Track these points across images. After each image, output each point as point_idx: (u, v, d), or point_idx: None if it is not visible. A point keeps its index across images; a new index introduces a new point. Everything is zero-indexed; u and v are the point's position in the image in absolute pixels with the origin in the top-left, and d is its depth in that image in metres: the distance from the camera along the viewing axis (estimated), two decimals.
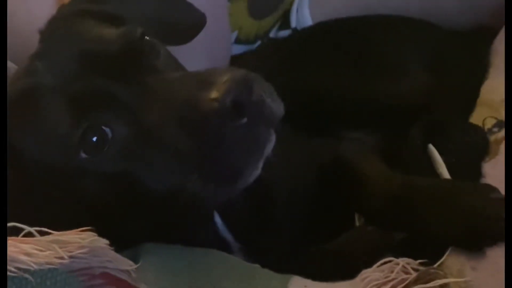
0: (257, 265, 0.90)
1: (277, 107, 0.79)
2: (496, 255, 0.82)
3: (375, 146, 1.16)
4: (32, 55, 0.89)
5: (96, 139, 0.79)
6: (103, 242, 0.72)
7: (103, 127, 0.79)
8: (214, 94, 0.73)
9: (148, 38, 0.88)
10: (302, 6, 1.51)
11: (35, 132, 0.81)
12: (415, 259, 0.85)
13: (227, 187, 0.79)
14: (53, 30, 0.93)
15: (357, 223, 1.02)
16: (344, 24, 1.40)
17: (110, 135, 0.79)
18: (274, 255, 0.98)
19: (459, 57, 1.26)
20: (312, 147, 1.14)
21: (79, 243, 0.70)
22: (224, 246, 0.95)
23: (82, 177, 0.80)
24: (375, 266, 0.83)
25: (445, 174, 0.97)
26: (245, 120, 0.74)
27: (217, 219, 0.95)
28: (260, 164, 0.79)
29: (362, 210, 1.02)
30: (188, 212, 0.83)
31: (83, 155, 0.79)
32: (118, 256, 0.74)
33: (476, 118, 1.09)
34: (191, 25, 1.10)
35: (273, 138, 0.79)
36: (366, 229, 0.99)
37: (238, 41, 1.51)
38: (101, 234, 0.74)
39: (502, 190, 0.87)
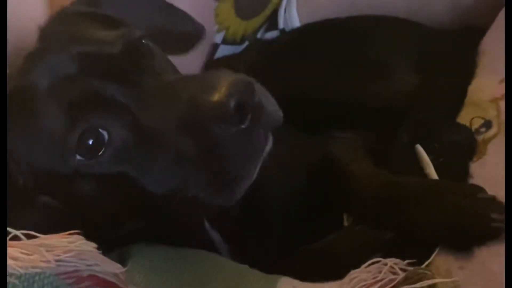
0: (245, 266, 0.90)
1: (276, 113, 0.79)
2: (484, 254, 0.82)
3: (363, 146, 1.15)
4: (26, 55, 0.88)
5: (92, 142, 0.78)
6: (91, 245, 0.72)
7: (100, 130, 0.78)
8: (216, 97, 0.72)
9: (145, 41, 0.88)
10: (289, 6, 1.51)
11: (28, 134, 0.80)
12: (404, 258, 0.85)
13: (225, 192, 0.78)
14: (51, 30, 0.93)
15: (346, 223, 1.02)
16: (332, 25, 1.39)
17: (106, 137, 0.78)
18: (263, 255, 0.98)
19: (446, 56, 1.26)
20: (301, 146, 1.14)
21: (66, 246, 0.70)
22: (212, 247, 0.95)
23: (76, 180, 0.80)
24: (363, 266, 0.83)
25: (433, 174, 0.97)
26: (246, 123, 0.74)
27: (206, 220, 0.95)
28: (257, 169, 0.79)
29: (351, 209, 1.02)
30: (183, 215, 0.83)
31: (79, 158, 0.78)
32: (106, 259, 0.74)
33: (463, 118, 1.08)
34: (190, 35, 1.10)
35: (270, 143, 0.80)
36: (354, 228, 0.99)
37: (225, 41, 1.51)
38: (90, 235, 0.73)
39: (489, 190, 0.87)
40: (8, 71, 0.86)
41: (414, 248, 0.89)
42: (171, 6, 1.12)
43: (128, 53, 0.83)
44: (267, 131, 0.79)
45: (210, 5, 1.44)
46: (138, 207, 0.82)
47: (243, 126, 0.74)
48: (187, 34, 1.11)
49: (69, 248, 0.70)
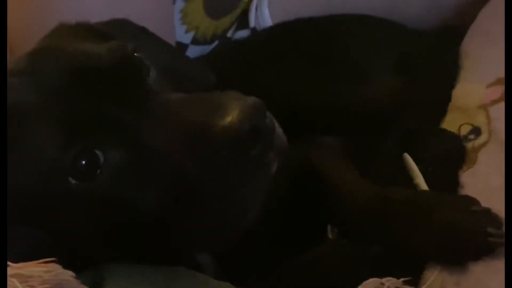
0: (227, 284, 0.85)
1: (282, 136, 0.75)
2: (480, 270, 0.79)
3: (345, 152, 1.12)
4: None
5: (85, 163, 0.71)
6: (68, 274, 0.66)
7: (96, 151, 0.71)
8: (229, 121, 0.67)
9: (138, 54, 0.81)
10: (261, 5, 1.47)
11: (14, 157, 0.71)
12: (393, 273, 0.81)
13: (233, 221, 0.74)
14: (46, 42, 0.86)
15: (330, 236, 0.98)
16: (306, 24, 1.35)
17: (102, 159, 0.71)
18: (245, 271, 0.94)
19: (428, 58, 1.24)
20: None
21: (42, 277, 0.64)
22: (193, 262, 0.90)
23: (68, 205, 0.72)
24: (359, 287, 0.79)
25: (423, 184, 0.94)
26: (259, 149, 0.69)
27: None
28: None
29: (336, 222, 0.98)
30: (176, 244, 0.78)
31: (73, 181, 0.71)
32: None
33: (449, 123, 1.06)
34: (197, 82, 1.06)
35: (275, 166, 0.75)
36: (340, 242, 0.95)
37: (194, 41, 1.46)
38: (65, 259, 0.67)
39: (482, 201, 0.85)
40: None
41: (404, 262, 0.86)
42: (185, 55, 1.14)
43: (122, 66, 0.77)
44: (276, 155, 0.74)
45: (168, 7, 1.38)
46: (130, 235, 0.76)
47: (255, 152, 0.69)
48: (197, 81, 1.06)
49: (45, 279, 0.64)
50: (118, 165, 0.72)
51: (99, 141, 0.72)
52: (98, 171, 0.71)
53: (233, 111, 0.67)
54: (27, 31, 1.09)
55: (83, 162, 0.71)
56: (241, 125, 0.67)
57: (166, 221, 0.73)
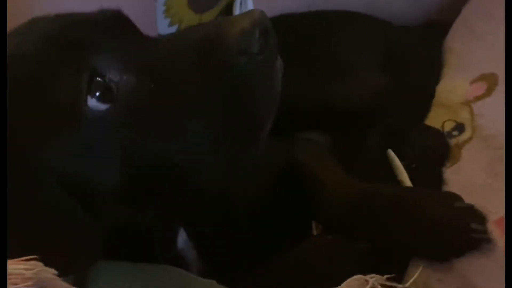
0: (213, 281, 0.85)
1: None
2: (464, 267, 0.79)
3: (330, 148, 1.11)
4: None
5: (101, 85, 0.70)
6: (51, 272, 0.65)
7: (107, 75, 0.71)
8: (241, 27, 0.68)
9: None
10: (245, 0, 1.46)
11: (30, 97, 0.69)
12: (378, 270, 0.81)
13: (250, 135, 0.75)
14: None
15: (315, 232, 0.98)
16: (290, 20, 1.34)
17: (114, 83, 0.71)
18: (231, 268, 0.93)
19: (412, 54, 1.23)
20: (266, 149, 1.09)
21: (23, 274, 0.64)
22: (179, 260, 0.89)
23: (88, 141, 0.70)
24: (344, 284, 0.79)
25: (406, 181, 0.94)
26: (269, 50, 0.71)
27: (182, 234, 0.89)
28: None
29: (320, 218, 0.97)
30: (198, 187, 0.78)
31: (92, 102, 0.69)
32: (67, 286, 0.68)
33: (433, 120, 1.05)
34: None
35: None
36: (324, 238, 0.95)
37: None
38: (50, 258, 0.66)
39: (465, 197, 0.84)
40: None
41: (388, 258, 0.86)
42: None
43: (115, 18, 0.78)
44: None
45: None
46: (147, 183, 0.75)
47: (266, 54, 0.71)
48: None
49: (27, 276, 0.64)
50: (132, 89, 0.72)
51: (108, 66, 0.71)
52: (114, 94, 0.71)
53: (242, 20, 0.69)
54: None
55: (98, 84, 0.70)
56: (254, 28, 0.69)
57: (187, 146, 0.73)
